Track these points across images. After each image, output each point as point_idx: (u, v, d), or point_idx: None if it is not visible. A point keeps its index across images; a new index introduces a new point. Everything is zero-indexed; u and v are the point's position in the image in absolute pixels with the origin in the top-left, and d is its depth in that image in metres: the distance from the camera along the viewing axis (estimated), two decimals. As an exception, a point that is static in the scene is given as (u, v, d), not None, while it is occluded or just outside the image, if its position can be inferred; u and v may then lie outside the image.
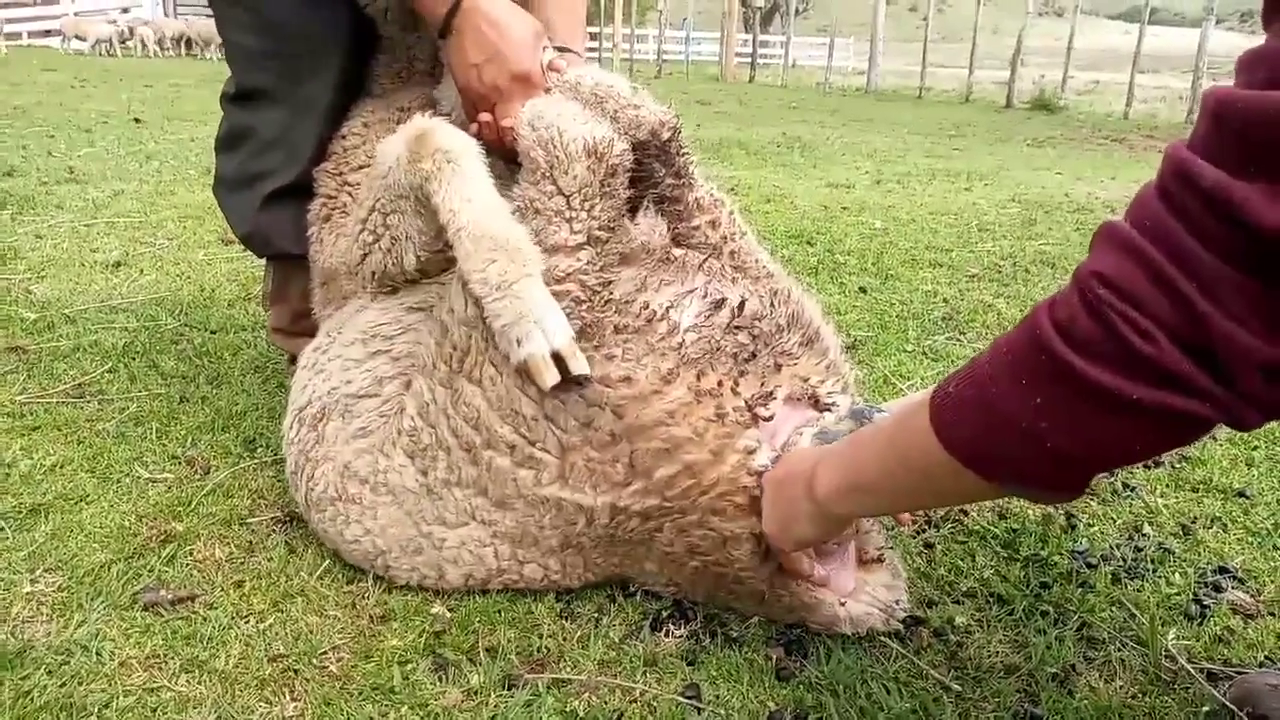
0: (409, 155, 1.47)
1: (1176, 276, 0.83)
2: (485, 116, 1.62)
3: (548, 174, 1.43)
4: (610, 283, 1.45)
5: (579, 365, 1.34)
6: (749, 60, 19.54)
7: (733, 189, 5.24)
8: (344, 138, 1.89)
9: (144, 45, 21.99)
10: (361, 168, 1.81)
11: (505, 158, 1.68)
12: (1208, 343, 0.83)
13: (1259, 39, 0.88)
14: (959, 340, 2.82)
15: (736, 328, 1.44)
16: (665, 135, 1.55)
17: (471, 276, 1.37)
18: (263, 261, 2.26)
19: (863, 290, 3.30)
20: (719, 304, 1.46)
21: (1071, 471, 0.96)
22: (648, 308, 1.42)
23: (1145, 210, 0.88)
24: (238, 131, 2.01)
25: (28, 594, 1.46)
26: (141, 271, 3.21)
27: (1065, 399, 0.90)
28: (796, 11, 21.56)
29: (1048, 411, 0.91)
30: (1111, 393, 0.86)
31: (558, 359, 1.34)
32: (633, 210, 1.57)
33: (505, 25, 1.58)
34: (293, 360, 2.12)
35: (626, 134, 1.50)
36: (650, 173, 1.56)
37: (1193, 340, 0.84)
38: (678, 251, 1.58)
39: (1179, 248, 0.84)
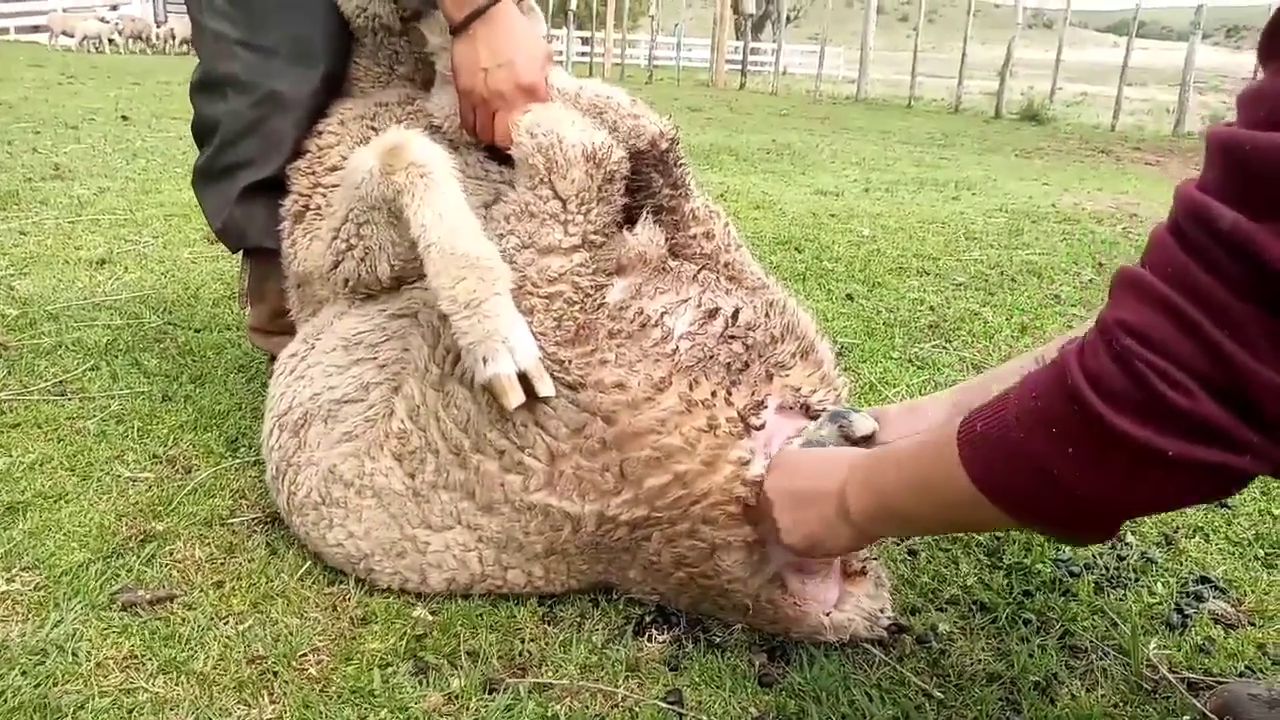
0: (382, 167, 1.46)
1: (1203, 322, 0.82)
2: (481, 125, 1.62)
3: (545, 179, 1.44)
4: (603, 287, 1.45)
5: (545, 387, 1.34)
6: (740, 67, 19.60)
7: (722, 195, 5.25)
8: (319, 135, 1.87)
9: (138, 40, 21.92)
10: (336, 168, 1.79)
11: (497, 158, 1.69)
12: (1243, 388, 0.81)
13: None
14: (945, 348, 2.83)
15: (730, 337, 1.44)
16: (664, 146, 1.57)
17: (440, 294, 1.37)
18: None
19: (850, 297, 3.31)
20: (713, 313, 1.46)
21: (1103, 518, 0.96)
22: (642, 313, 1.42)
23: (1164, 254, 0.86)
24: (205, 124, 1.99)
25: (3, 593, 1.44)
26: (125, 269, 3.18)
27: (1097, 450, 0.88)
28: (788, 19, 21.61)
29: (1079, 461, 0.90)
30: (1145, 447, 0.85)
31: (524, 380, 1.34)
32: (632, 221, 1.58)
33: (522, 37, 1.60)
34: (273, 359, 2.10)
35: (625, 143, 1.51)
36: (648, 182, 1.58)
37: (1227, 386, 0.82)
38: (674, 262, 1.59)
39: (1202, 292, 0.82)
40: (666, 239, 1.61)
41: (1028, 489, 0.96)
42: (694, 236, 1.63)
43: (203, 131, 2.01)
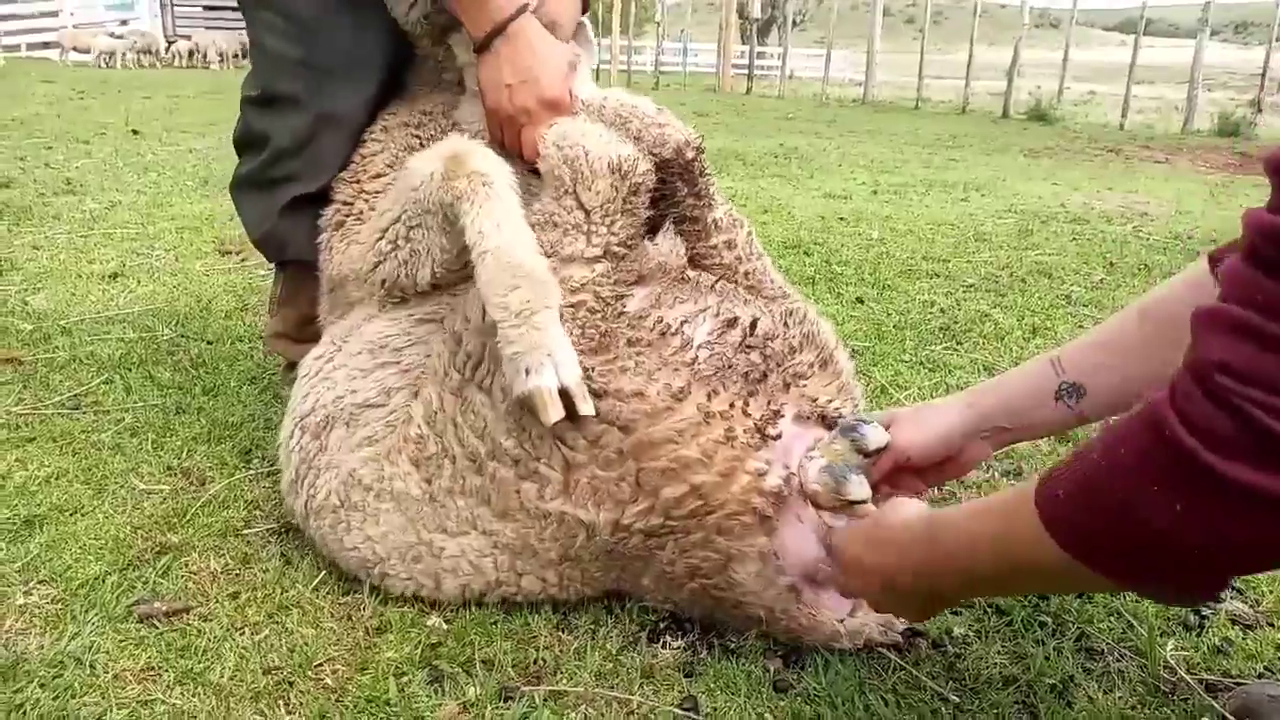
0: (444, 172, 1.47)
1: None
2: (509, 141, 1.63)
3: (570, 190, 1.45)
4: (624, 297, 1.45)
5: (586, 407, 1.33)
6: (746, 71, 19.62)
7: (730, 200, 5.25)
8: (363, 143, 1.88)
9: (146, 54, 22.05)
10: (379, 175, 1.81)
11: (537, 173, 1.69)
12: None
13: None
14: (956, 350, 2.82)
15: (748, 347, 1.44)
16: (689, 155, 1.57)
17: (491, 300, 1.36)
18: (267, 270, 2.26)
19: (860, 300, 3.31)
20: (731, 323, 1.46)
21: (1220, 574, 0.90)
22: (661, 321, 1.42)
23: (1245, 283, 0.82)
24: (255, 135, 2.00)
25: (21, 606, 1.45)
26: (138, 282, 3.20)
27: (1211, 504, 0.82)
28: (794, 23, 21.63)
29: (1191, 518, 0.83)
30: (1263, 493, 0.78)
31: (564, 396, 1.33)
32: (653, 230, 1.58)
33: (544, 52, 1.60)
34: (290, 367, 2.11)
35: (651, 153, 1.52)
36: (672, 191, 1.59)
37: None
38: (692, 272, 1.60)
39: None
40: (688, 248, 1.62)
41: (1133, 552, 0.89)
42: (715, 246, 1.63)
43: (249, 142, 2.02)
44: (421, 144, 1.79)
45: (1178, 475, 0.82)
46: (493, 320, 1.37)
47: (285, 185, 1.95)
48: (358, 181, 1.85)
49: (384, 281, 1.66)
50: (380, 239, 1.64)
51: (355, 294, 1.74)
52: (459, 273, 1.57)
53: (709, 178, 1.63)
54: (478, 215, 1.42)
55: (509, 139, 1.64)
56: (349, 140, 1.89)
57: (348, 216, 1.83)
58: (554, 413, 1.32)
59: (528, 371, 1.33)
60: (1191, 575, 0.88)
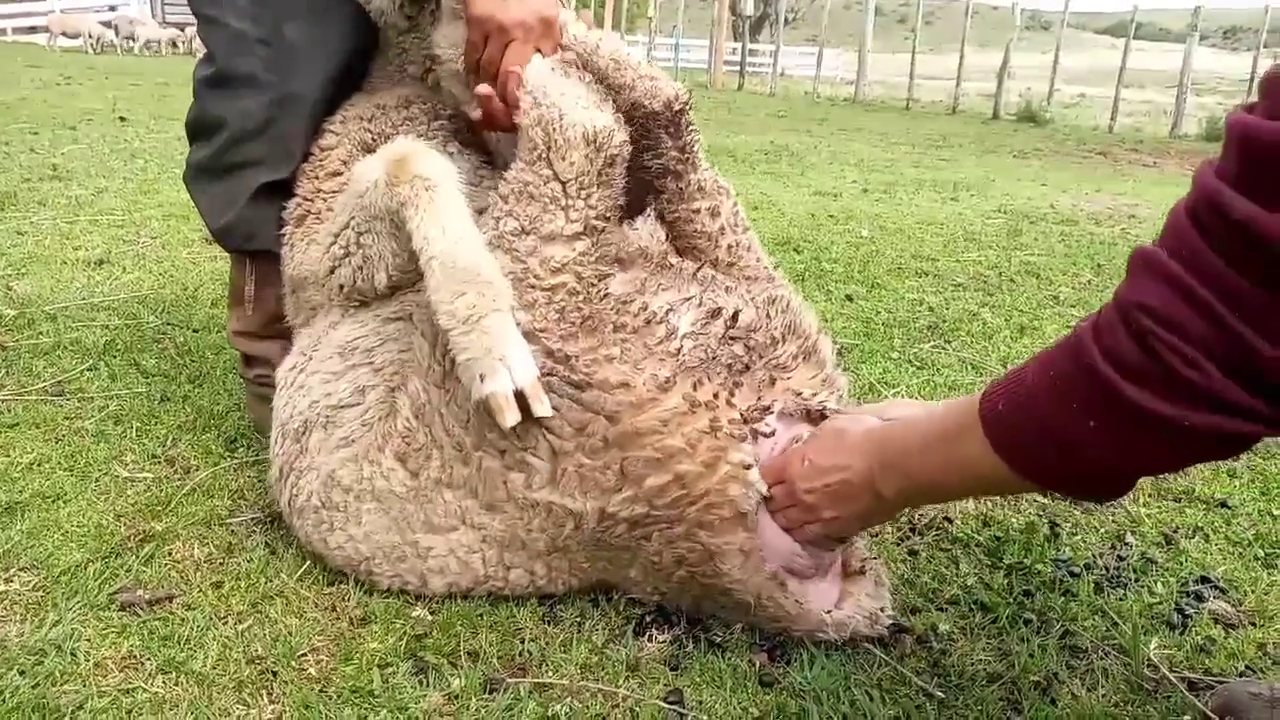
0: (387, 179, 1.46)
1: (1215, 303, 0.87)
2: (490, 54, 1.58)
3: (544, 156, 1.42)
4: (606, 276, 1.44)
5: (542, 408, 1.33)
6: (738, 69, 19.62)
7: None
8: (322, 135, 1.84)
9: (133, 41, 21.79)
10: (336, 173, 1.78)
11: (487, 126, 1.65)
12: (1251, 363, 0.88)
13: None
14: (944, 349, 2.83)
15: (731, 338, 1.43)
16: (677, 108, 1.56)
17: (439, 308, 1.36)
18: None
19: (849, 298, 3.31)
20: (715, 313, 1.45)
21: (1121, 480, 1.05)
22: (646, 309, 1.41)
23: (1180, 238, 0.91)
24: (210, 120, 1.92)
25: (1, 593, 1.43)
26: (124, 269, 3.18)
27: (1119, 424, 0.96)
28: (786, 21, 21.64)
29: (1100, 433, 0.97)
30: (1166, 420, 0.92)
31: (520, 398, 1.33)
32: (632, 215, 1.57)
33: None
34: (247, 360, 2.07)
35: (641, 104, 1.51)
36: (656, 142, 1.57)
37: (1238, 362, 0.88)
38: (674, 259, 1.58)
39: (1217, 277, 0.88)
40: (669, 210, 1.60)
41: (1053, 461, 1.03)
42: (698, 211, 1.61)
43: (203, 127, 1.95)
44: (374, 138, 1.76)
45: (1092, 396, 0.96)
46: (443, 329, 1.36)
47: (248, 170, 1.89)
48: (316, 178, 1.81)
49: (342, 286, 1.64)
50: (333, 244, 1.63)
51: (315, 297, 1.71)
52: (415, 273, 1.54)
53: (694, 134, 1.61)
54: (422, 221, 1.41)
55: (491, 52, 1.57)
56: (311, 123, 1.84)
57: (308, 212, 1.80)
58: (510, 417, 1.33)
59: (482, 378, 1.32)
60: (1101, 482, 1.04)
